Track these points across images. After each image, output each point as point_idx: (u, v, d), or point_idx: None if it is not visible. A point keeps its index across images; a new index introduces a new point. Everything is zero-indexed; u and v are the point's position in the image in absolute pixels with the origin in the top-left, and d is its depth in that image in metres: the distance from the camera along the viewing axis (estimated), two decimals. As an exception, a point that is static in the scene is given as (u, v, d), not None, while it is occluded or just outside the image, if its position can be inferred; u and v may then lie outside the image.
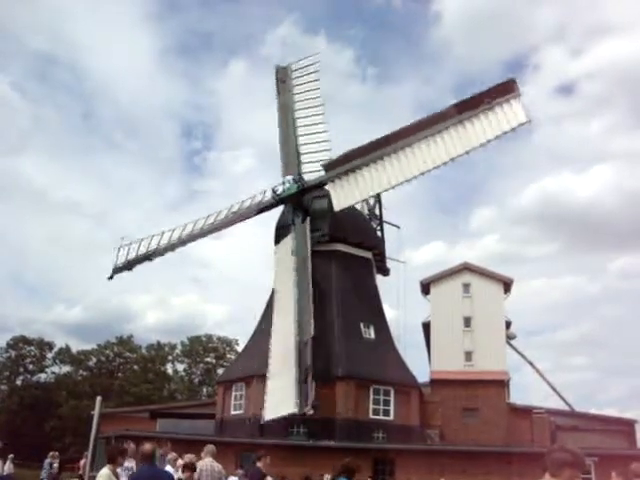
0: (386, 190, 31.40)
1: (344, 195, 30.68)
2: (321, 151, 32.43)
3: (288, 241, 32.24)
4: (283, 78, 35.98)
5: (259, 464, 11.45)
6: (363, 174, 30.39)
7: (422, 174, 29.19)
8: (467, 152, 28.34)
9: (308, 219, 31.87)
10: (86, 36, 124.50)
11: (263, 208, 33.13)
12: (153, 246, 33.27)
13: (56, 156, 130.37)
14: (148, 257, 33.41)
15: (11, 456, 23.62)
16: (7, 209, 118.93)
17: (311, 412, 25.40)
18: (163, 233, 33.26)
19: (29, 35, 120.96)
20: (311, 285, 29.49)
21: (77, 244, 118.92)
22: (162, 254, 33.42)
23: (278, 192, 32.47)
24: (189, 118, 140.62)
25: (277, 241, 33.92)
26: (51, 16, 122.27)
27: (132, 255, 33.50)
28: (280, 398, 26.86)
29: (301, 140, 33.35)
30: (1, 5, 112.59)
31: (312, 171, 32.72)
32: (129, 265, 33.67)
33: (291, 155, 33.34)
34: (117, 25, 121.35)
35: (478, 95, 28.65)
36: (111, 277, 34.38)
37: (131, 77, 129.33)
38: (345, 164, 31.16)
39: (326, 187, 31.64)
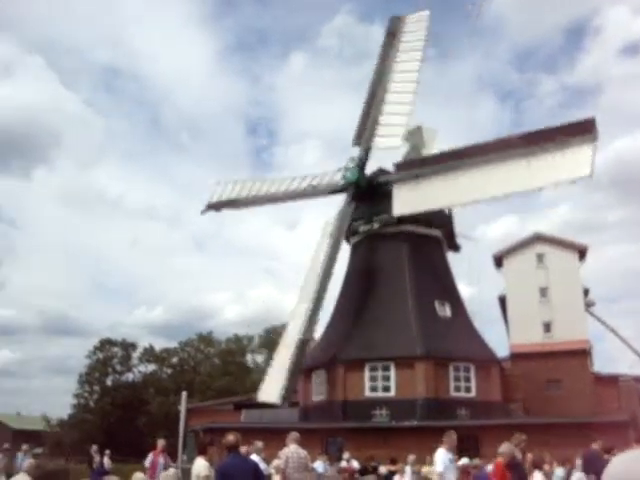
0: (444, 207, 31.25)
1: (407, 201, 30.15)
2: (399, 128, 31.60)
3: (331, 222, 32.40)
4: (394, 31, 34.21)
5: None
6: (427, 185, 29.68)
7: (477, 202, 28.81)
8: (520, 192, 27.68)
9: (353, 204, 31.81)
10: (145, 45, 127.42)
11: (334, 190, 33.11)
12: (243, 194, 34.27)
13: (128, 164, 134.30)
14: (235, 203, 34.38)
15: (108, 452, 24.68)
16: (86, 219, 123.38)
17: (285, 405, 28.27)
18: (254, 182, 34.21)
19: (93, 50, 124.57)
20: (329, 279, 29.93)
21: (154, 247, 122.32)
22: (248, 205, 34.63)
23: (346, 176, 32.31)
24: (252, 115, 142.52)
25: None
26: (111, 29, 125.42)
27: (223, 197, 34.73)
28: (272, 386, 28.45)
29: (386, 109, 32.31)
30: (65, 24, 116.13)
31: (386, 135, 31.80)
32: (217, 206, 34.85)
33: (369, 123, 32.59)
34: (174, 30, 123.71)
35: (551, 130, 26.89)
36: (203, 212, 35.76)
37: (192, 79, 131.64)
38: (414, 169, 30.68)
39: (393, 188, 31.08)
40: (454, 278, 34.92)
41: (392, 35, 34.22)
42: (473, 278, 33.90)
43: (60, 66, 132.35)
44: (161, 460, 16.46)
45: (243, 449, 12.07)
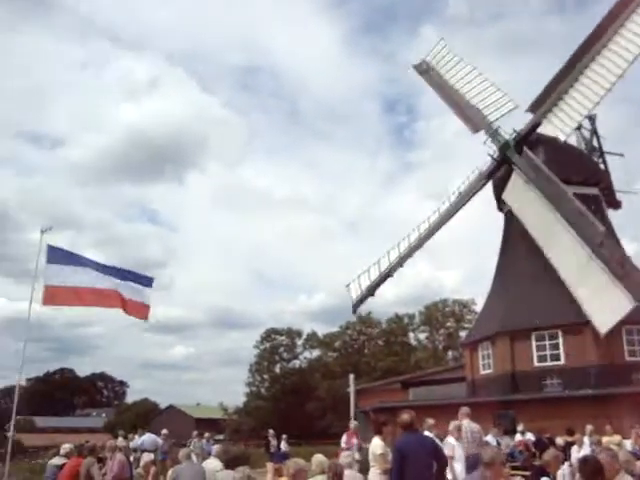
0: (597, 103, 29.58)
1: (561, 125, 29.41)
2: (501, 99, 32.06)
3: (515, 183, 31.28)
4: (425, 70, 36.45)
5: None
6: (569, 99, 29.34)
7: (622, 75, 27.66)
8: None
9: (524, 148, 30.91)
10: (275, 40, 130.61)
11: (490, 174, 32.85)
12: (383, 267, 32.62)
13: (273, 157, 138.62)
14: (387, 276, 32.81)
15: (284, 436, 25.82)
16: (239, 215, 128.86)
17: None
18: (389, 252, 32.76)
19: (227, 53, 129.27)
20: (568, 194, 28.58)
21: (307, 235, 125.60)
22: (401, 265, 32.84)
23: (495, 156, 31.94)
24: (388, 93, 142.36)
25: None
26: (241, 30, 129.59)
27: (367, 283, 32.94)
28: (606, 310, 25.54)
29: (474, 101, 32.97)
30: (197, 32, 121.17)
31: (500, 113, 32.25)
32: (371, 291, 33.12)
33: (475, 117, 33.12)
34: (301, 22, 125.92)
35: None
36: (354, 311, 34.77)
37: (324, 67, 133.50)
38: (549, 97, 30.01)
39: (541, 128, 30.64)
40: (617, 237, 33.22)
41: (426, 73, 36.43)
42: (638, 234, 31.89)
43: (199, 74, 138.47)
44: (355, 440, 16.97)
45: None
